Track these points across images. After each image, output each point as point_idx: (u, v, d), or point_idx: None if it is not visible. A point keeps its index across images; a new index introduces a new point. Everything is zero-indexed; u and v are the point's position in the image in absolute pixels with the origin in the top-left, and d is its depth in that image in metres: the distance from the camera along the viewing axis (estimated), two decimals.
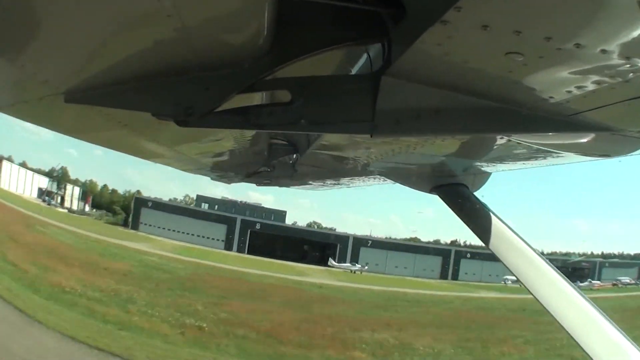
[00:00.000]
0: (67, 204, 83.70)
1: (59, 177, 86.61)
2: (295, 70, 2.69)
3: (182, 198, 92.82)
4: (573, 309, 3.93)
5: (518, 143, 3.23)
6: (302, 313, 34.84)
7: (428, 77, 2.41)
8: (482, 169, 4.79)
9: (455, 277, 79.09)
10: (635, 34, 1.64)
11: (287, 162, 6.77)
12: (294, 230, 77.48)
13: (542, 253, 4.27)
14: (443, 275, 78.85)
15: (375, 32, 2.57)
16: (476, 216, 4.60)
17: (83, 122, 3.42)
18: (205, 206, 79.91)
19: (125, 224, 73.67)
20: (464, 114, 2.51)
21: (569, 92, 2.19)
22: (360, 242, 77.51)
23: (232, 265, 52.62)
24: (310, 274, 58.83)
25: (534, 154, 3.62)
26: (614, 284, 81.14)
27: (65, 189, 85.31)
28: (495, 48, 1.90)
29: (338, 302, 41.11)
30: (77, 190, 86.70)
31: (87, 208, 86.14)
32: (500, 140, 3.24)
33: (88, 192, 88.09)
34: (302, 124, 2.61)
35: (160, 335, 26.12)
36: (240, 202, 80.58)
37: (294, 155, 6.31)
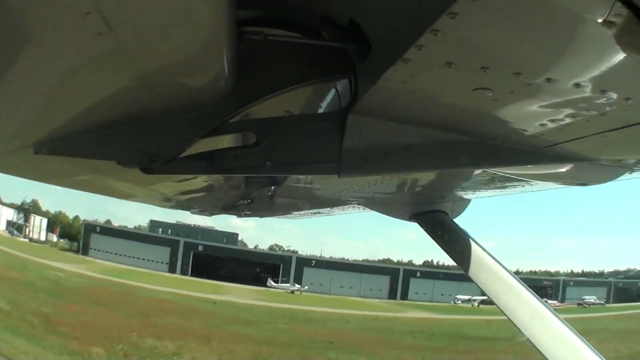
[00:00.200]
0: (33, 234, 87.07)
1: (29, 210, 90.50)
2: (262, 110, 2.67)
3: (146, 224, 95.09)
4: (555, 337, 3.93)
5: (494, 173, 3.22)
6: (131, 319, 35.36)
7: (395, 113, 2.37)
8: (461, 195, 4.78)
9: (404, 296, 77.93)
10: (608, 67, 1.60)
11: (265, 194, 6.71)
12: (238, 251, 78.09)
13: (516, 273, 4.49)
14: (392, 295, 77.78)
15: (341, 68, 2.54)
16: (456, 243, 4.62)
17: (55, 170, 3.45)
18: (159, 231, 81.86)
19: (78, 250, 76.15)
20: (434, 149, 2.47)
21: (543, 125, 2.16)
22: (304, 262, 77.57)
23: (151, 285, 53.42)
24: (233, 293, 59.01)
25: (512, 182, 3.63)
26: (579, 304, 78.32)
27: (31, 220, 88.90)
28: (462, 84, 1.87)
29: (200, 316, 41.12)
30: (44, 221, 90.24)
31: (54, 238, 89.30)
32: (477, 170, 3.22)
33: (56, 222, 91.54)
34: (268, 167, 2.58)
35: None
36: (194, 225, 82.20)
37: (272, 188, 6.24)
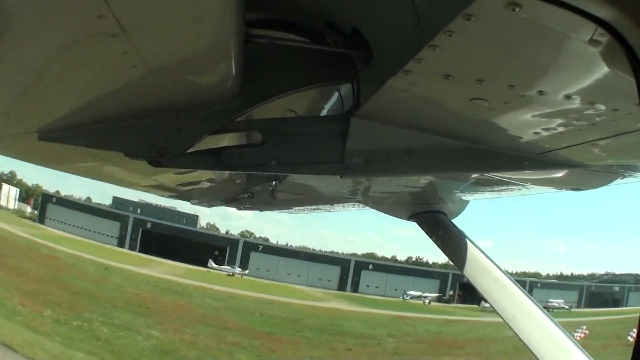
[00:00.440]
0: (2, 203, 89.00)
1: (7, 181, 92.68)
2: (268, 111, 2.76)
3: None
4: (549, 339, 3.96)
5: (491, 177, 3.31)
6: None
7: (396, 118, 2.45)
8: (460, 197, 4.87)
9: (355, 288, 75.90)
10: (596, 81, 1.68)
11: (266, 189, 6.83)
12: (187, 231, 77.38)
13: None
14: (341, 286, 75.87)
15: (345, 72, 2.61)
16: (453, 243, 4.68)
17: (59, 156, 3.48)
18: (120, 207, 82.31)
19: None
20: (434, 154, 2.56)
21: (537, 133, 2.24)
22: (251, 247, 76.54)
23: (71, 249, 53.87)
24: (157, 267, 58.40)
25: (508, 186, 3.74)
26: (544, 307, 74.42)
27: (1, 189, 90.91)
28: (460, 95, 1.95)
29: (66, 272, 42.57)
30: (15, 190, 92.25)
31: (28, 209, 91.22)
32: (476, 174, 3.32)
33: (31, 194, 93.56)
34: (272, 165, 2.67)
35: None
36: (155, 205, 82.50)
37: (273, 183, 6.38)
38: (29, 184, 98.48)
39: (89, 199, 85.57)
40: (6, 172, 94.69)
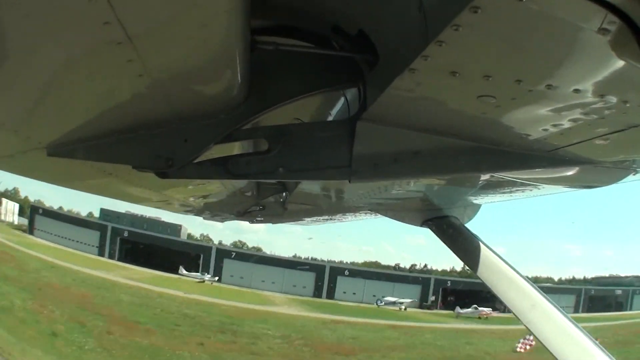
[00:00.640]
0: (3, 217, 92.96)
1: (10, 197, 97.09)
2: (274, 118, 2.75)
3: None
4: (567, 339, 3.94)
5: (502, 177, 3.28)
6: None
7: (403, 120, 2.44)
8: (472, 201, 4.88)
9: (331, 295, 74.67)
10: (605, 72, 1.66)
11: (277, 201, 6.94)
12: (162, 239, 77.75)
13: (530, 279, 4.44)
14: (317, 293, 74.82)
15: (351, 77, 2.63)
16: (467, 248, 4.69)
17: (68, 172, 3.49)
18: (107, 219, 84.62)
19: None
20: (442, 155, 2.54)
21: (546, 130, 2.21)
22: (224, 254, 76.44)
23: (49, 257, 54.84)
24: (122, 273, 59.16)
25: (519, 187, 3.71)
26: None
27: (3, 205, 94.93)
28: (467, 92, 1.93)
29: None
30: (16, 206, 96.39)
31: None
32: (486, 175, 3.30)
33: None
34: (280, 172, 2.66)
35: None
36: (140, 215, 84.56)
37: (284, 194, 6.46)
38: (32, 200, 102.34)
39: (90, 214, 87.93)
40: (10, 188, 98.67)
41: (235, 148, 2.99)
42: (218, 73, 2.26)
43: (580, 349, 3.88)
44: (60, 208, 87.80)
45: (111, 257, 73.47)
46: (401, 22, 1.94)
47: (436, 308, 73.53)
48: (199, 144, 2.59)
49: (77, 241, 74.23)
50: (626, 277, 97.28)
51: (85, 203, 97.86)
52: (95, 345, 31.54)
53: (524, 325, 4.08)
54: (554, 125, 2.16)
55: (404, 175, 2.82)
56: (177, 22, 1.68)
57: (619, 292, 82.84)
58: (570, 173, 2.92)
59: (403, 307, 68.59)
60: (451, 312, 67.53)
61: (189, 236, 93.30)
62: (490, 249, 4.60)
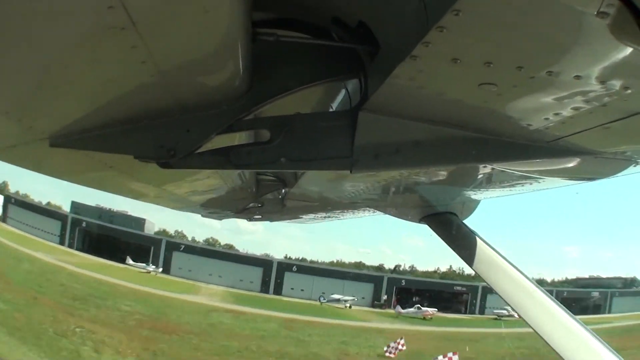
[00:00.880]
0: None
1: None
2: (275, 109, 2.76)
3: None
4: (567, 334, 3.93)
5: (502, 170, 3.26)
6: None
7: (404, 110, 2.45)
8: (470, 196, 4.84)
9: (278, 291, 74.24)
10: (606, 57, 1.65)
11: (276, 198, 6.92)
12: (116, 231, 79.72)
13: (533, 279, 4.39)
14: (264, 289, 74.53)
15: (351, 68, 2.64)
16: (466, 244, 4.66)
17: (69, 165, 3.48)
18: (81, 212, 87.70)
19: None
20: (443, 145, 2.54)
21: (547, 119, 2.21)
22: (174, 247, 77.51)
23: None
24: (68, 258, 61.05)
25: (519, 180, 3.68)
26: (498, 316, 68.94)
27: None
28: (468, 80, 1.93)
29: None
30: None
31: None
32: (485, 168, 3.27)
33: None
34: (281, 162, 2.67)
35: None
36: (109, 209, 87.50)
37: (283, 191, 6.43)
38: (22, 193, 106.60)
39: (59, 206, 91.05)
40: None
41: (237, 138, 2.98)
42: (220, 63, 2.27)
43: (580, 343, 3.85)
44: (25, 195, 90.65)
45: (70, 246, 75.96)
46: (401, 11, 1.92)
47: (389, 307, 71.81)
48: (201, 134, 2.59)
49: (42, 230, 77.13)
50: (607, 278, 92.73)
51: (68, 195, 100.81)
52: None
53: (527, 323, 3.98)
54: (555, 114, 2.15)
55: (405, 166, 2.82)
56: (180, 9, 1.69)
57: (595, 294, 78.40)
58: (570, 164, 2.88)
59: (348, 305, 67.41)
60: (387, 311, 66.19)
61: (164, 232, 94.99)
62: (489, 245, 4.56)
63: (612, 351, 3.83)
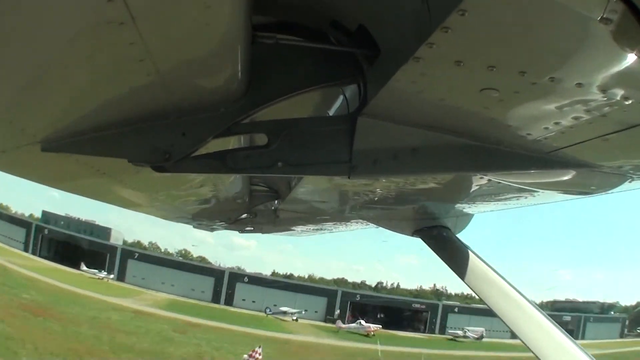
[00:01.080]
0: None
1: None
2: (272, 113, 2.73)
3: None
4: (559, 350, 3.94)
5: (497, 182, 3.24)
6: None
7: (404, 116, 2.44)
8: (464, 210, 4.83)
9: (229, 302, 73.84)
10: (609, 66, 1.65)
11: (268, 208, 6.89)
12: (76, 238, 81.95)
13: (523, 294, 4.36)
14: (215, 299, 74.23)
15: (350, 72, 2.63)
16: (458, 258, 4.66)
17: (61, 171, 3.38)
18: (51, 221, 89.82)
19: None
20: (441, 153, 2.54)
21: (547, 128, 2.20)
22: (129, 255, 78.73)
23: None
24: (20, 262, 62.54)
25: (513, 194, 3.66)
26: (454, 336, 68.45)
27: None
28: (470, 84, 1.92)
29: None
30: None
31: None
32: (480, 180, 3.27)
33: None
34: (278, 167, 2.63)
35: None
36: (77, 218, 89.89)
37: (276, 201, 6.41)
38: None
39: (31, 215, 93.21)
40: None
41: (234, 142, 2.97)
42: (219, 65, 2.25)
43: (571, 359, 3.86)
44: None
45: (33, 252, 77.60)
46: (403, 13, 1.93)
47: (342, 322, 70.46)
48: (197, 138, 2.55)
49: (9, 237, 79.08)
50: (584, 302, 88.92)
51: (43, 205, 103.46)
52: None
53: (519, 338, 4.01)
54: (555, 123, 2.15)
55: (403, 172, 2.80)
56: (181, 6, 1.68)
57: (567, 318, 75.42)
58: (567, 177, 2.87)
59: (294, 317, 66.54)
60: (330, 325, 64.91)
61: (139, 244, 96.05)
62: (482, 260, 4.58)
63: None
